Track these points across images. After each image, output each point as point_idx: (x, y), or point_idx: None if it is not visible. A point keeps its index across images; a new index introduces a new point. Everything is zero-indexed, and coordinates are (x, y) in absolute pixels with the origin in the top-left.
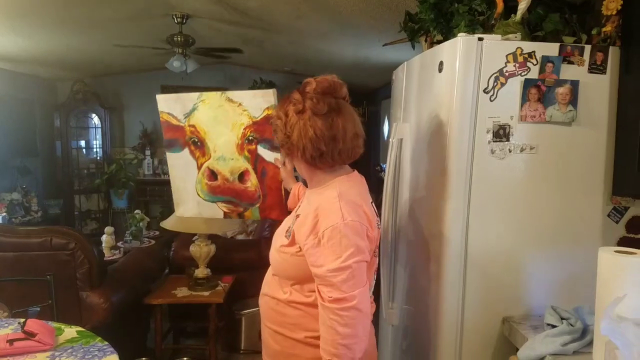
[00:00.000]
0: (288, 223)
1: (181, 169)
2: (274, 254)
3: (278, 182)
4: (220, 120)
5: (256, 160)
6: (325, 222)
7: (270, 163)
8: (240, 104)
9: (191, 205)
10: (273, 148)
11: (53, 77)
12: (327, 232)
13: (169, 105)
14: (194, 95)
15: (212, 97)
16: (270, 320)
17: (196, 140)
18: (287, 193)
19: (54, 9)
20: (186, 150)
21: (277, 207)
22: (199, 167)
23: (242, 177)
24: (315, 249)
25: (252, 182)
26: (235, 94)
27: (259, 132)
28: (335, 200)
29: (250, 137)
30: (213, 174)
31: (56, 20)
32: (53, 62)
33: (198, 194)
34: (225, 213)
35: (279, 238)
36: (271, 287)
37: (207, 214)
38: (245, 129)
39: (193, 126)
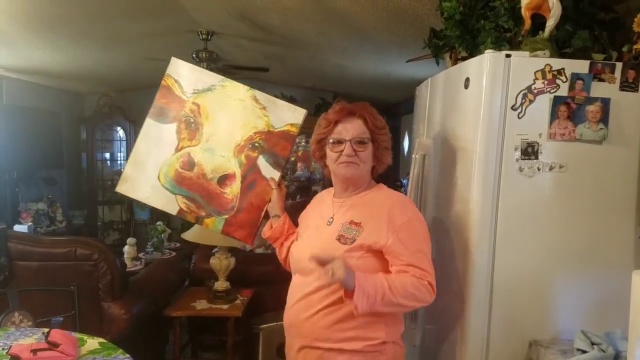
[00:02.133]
0: (335, 230)
1: (155, 142)
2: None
3: (263, 201)
4: (233, 113)
5: (250, 169)
6: (402, 216)
7: (264, 178)
8: (264, 108)
9: (143, 186)
10: (276, 165)
11: (80, 91)
12: (405, 225)
13: (181, 72)
14: (217, 76)
15: (236, 88)
16: (323, 340)
17: (192, 120)
18: (266, 218)
19: (81, 24)
20: (173, 126)
21: (248, 227)
22: (178, 149)
23: (223, 179)
24: (397, 242)
25: (232, 189)
26: (264, 97)
27: (270, 143)
28: (404, 198)
29: (257, 144)
30: (191, 163)
31: (83, 35)
32: (80, 76)
33: (159, 177)
34: (181, 210)
35: (332, 247)
36: (319, 304)
37: (157, 204)
38: (255, 133)
39: (197, 105)
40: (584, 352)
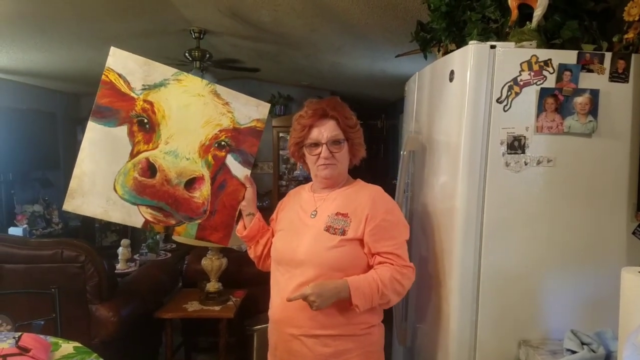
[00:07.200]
0: (322, 222)
1: (103, 149)
2: (323, 253)
3: (236, 201)
4: (193, 110)
5: (219, 170)
6: (382, 207)
7: (234, 178)
8: (227, 103)
9: (96, 200)
10: (245, 163)
11: (76, 92)
12: (388, 216)
13: (125, 65)
14: (170, 69)
15: (193, 82)
16: (319, 327)
17: (145, 121)
18: (239, 217)
19: (70, 24)
20: (123, 129)
21: (222, 228)
22: (133, 155)
23: (191, 183)
24: (380, 230)
25: (202, 192)
26: (225, 91)
27: (237, 140)
28: (381, 190)
29: (223, 143)
30: (151, 169)
31: (74, 36)
32: (74, 77)
33: (115, 189)
34: (146, 221)
35: (322, 238)
36: None
37: (117, 218)
38: (220, 131)
39: (150, 103)
40: (573, 352)
